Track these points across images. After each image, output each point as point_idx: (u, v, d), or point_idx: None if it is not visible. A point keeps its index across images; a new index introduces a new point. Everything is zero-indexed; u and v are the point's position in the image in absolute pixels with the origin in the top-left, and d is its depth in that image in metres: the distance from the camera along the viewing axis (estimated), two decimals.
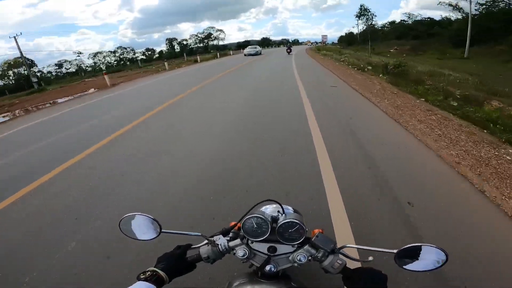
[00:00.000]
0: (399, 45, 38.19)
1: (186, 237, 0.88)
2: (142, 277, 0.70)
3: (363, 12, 44.34)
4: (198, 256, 0.83)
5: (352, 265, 0.76)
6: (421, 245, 0.68)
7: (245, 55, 30.63)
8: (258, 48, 32.96)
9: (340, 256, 0.76)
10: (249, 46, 36.18)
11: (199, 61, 29.48)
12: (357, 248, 0.76)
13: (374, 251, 0.74)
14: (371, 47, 35.64)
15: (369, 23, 44.95)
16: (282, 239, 0.78)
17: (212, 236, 0.85)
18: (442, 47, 29.35)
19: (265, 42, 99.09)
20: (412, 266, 0.69)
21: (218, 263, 0.86)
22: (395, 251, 0.69)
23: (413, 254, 0.68)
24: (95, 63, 63.18)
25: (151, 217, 0.83)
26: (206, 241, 0.85)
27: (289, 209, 0.94)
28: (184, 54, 37.82)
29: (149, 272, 0.72)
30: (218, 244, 0.82)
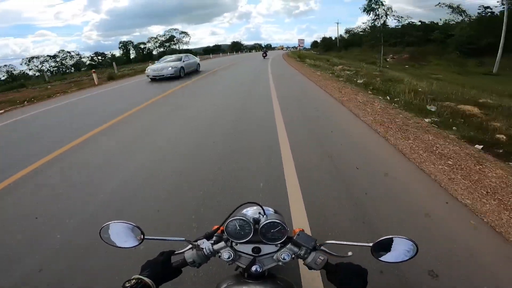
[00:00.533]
0: (394, 52, 33.96)
1: (170, 242, 0.88)
2: (127, 285, 0.68)
3: (373, 4, 29.28)
4: (183, 261, 0.83)
5: (334, 260, 0.80)
6: (393, 237, 0.73)
7: (149, 77, 13.51)
8: (187, 62, 14.58)
9: (322, 252, 0.80)
10: (164, 58, 15.39)
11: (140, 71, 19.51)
12: (337, 244, 0.81)
13: (353, 246, 0.79)
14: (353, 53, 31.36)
15: (381, 19, 29.63)
16: (265, 240, 0.80)
17: (196, 241, 0.85)
18: (449, 56, 23.75)
19: (236, 47, 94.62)
20: (387, 258, 0.75)
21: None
22: (371, 244, 0.74)
23: (387, 246, 0.74)
24: (31, 69, 52.66)
25: (133, 224, 0.81)
26: (190, 246, 0.85)
27: (270, 210, 0.97)
28: (114, 63, 24.30)
29: (134, 280, 0.70)
30: (202, 248, 0.83)
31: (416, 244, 0.71)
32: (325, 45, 62.57)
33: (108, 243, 0.82)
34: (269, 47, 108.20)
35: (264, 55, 28.68)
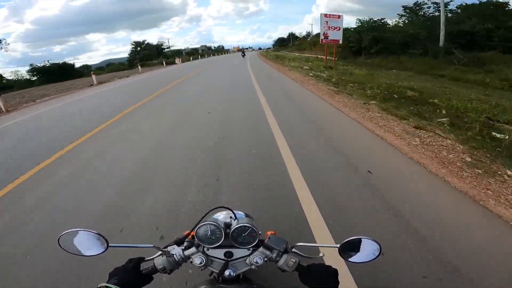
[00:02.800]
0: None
1: (138, 249, 0.84)
2: None
3: None
4: (154, 268, 0.80)
5: (305, 262, 0.81)
6: (360, 238, 0.76)
7: None
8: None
9: (293, 254, 0.81)
10: None
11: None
12: (307, 246, 0.84)
13: (321, 247, 0.82)
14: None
15: None
16: (237, 244, 0.80)
17: (166, 247, 0.83)
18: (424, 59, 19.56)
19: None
20: (354, 258, 0.78)
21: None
22: (338, 245, 0.77)
23: (353, 246, 0.77)
24: None
25: (95, 232, 0.77)
26: (160, 252, 0.83)
27: (241, 214, 0.97)
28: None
29: None
30: (173, 254, 0.81)
31: (379, 245, 0.75)
32: (281, 44, 79.03)
33: (69, 251, 0.77)
34: (221, 50, 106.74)
35: (243, 54, 36.79)
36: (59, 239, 0.75)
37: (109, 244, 0.78)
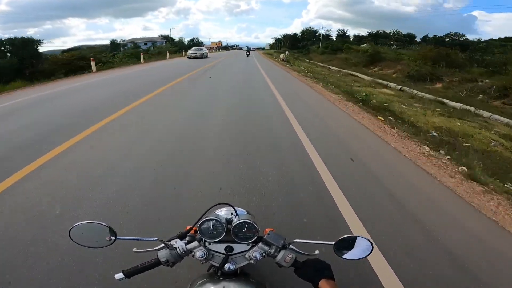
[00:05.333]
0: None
1: (143, 242, 0.88)
2: None
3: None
4: (157, 260, 0.84)
5: (301, 258, 0.86)
6: (354, 236, 0.81)
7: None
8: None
9: (291, 250, 0.85)
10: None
11: None
12: (304, 242, 0.88)
13: (317, 244, 0.86)
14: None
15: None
16: (237, 239, 0.84)
17: (169, 240, 0.87)
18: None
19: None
20: (347, 255, 0.82)
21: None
22: (333, 242, 0.82)
23: (347, 244, 0.82)
24: None
25: (105, 224, 0.81)
26: (162, 245, 0.87)
27: (242, 211, 1.00)
28: None
29: None
30: (176, 248, 0.85)
31: (371, 242, 0.80)
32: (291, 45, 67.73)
33: (78, 243, 0.81)
34: (201, 44, 76.59)
35: (248, 53, 33.58)
36: (70, 230, 0.80)
37: (116, 237, 0.82)
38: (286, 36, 74.67)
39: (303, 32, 71.98)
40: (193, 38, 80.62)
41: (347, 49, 36.70)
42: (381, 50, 31.35)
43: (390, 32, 56.24)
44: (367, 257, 0.82)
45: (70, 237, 0.80)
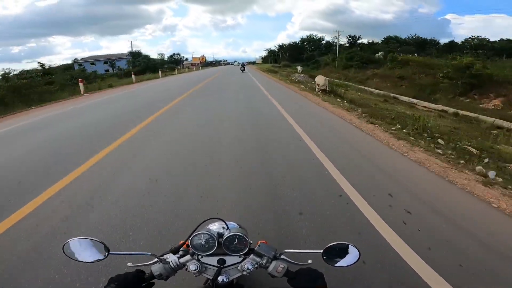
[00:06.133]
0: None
1: (137, 256, 0.89)
2: None
3: None
4: (151, 274, 0.86)
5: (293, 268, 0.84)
6: (341, 243, 0.84)
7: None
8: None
9: (282, 261, 0.87)
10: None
11: None
12: (294, 252, 0.89)
13: (307, 253, 0.88)
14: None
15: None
16: (229, 251, 0.86)
17: (162, 255, 0.88)
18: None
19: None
20: (338, 263, 0.84)
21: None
22: (321, 251, 0.84)
23: (335, 252, 0.84)
24: None
25: (97, 240, 0.84)
26: (156, 259, 0.88)
27: (234, 224, 1.02)
28: None
29: None
30: (169, 262, 0.86)
31: (359, 250, 0.83)
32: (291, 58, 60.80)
33: (72, 258, 0.83)
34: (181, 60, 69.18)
35: (242, 68, 32.01)
36: (63, 246, 0.82)
37: (110, 252, 0.84)
38: (283, 47, 66.59)
39: (303, 40, 64.04)
40: (174, 54, 70.29)
41: (393, 61, 24.85)
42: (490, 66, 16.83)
43: (406, 38, 46.57)
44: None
45: (64, 252, 0.82)
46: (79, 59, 55.01)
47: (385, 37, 48.12)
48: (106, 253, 0.84)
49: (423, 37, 45.99)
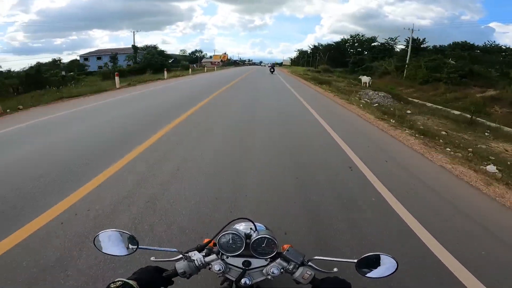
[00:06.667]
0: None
1: (162, 252, 0.90)
2: (112, 286, 0.69)
3: None
4: (174, 271, 0.85)
5: (320, 276, 0.82)
6: (378, 254, 0.78)
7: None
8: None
9: (309, 267, 0.83)
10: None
11: None
12: (324, 260, 0.84)
13: (338, 262, 0.82)
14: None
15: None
16: (256, 254, 0.83)
17: (187, 252, 0.88)
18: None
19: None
20: (370, 274, 0.79)
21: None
22: (355, 260, 0.79)
23: (371, 262, 0.79)
24: None
25: (128, 233, 0.84)
26: (180, 256, 0.87)
27: (261, 226, 1.00)
28: None
29: (119, 282, 0.71)
30: (194, 260, 0.85)
31: (397, 261, 0.76)
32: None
33: (101, 251, 0.84)
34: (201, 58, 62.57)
35: (272, 70, 31.54)
36: (94, 239, 0.83)
37: (139, 246, 0.84)
38: (320, 47, 52.81)
39: (345, 41, 50.05)
40: (195, 50, 63.18)
41: None
42: None
43: (483, 45, 33.62)
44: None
45: (94, 245, 0.83)
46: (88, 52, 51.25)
47: (452, 42, 35.85)
48: (135, 247, 0.84)
49: (501, 45, 33.81)
